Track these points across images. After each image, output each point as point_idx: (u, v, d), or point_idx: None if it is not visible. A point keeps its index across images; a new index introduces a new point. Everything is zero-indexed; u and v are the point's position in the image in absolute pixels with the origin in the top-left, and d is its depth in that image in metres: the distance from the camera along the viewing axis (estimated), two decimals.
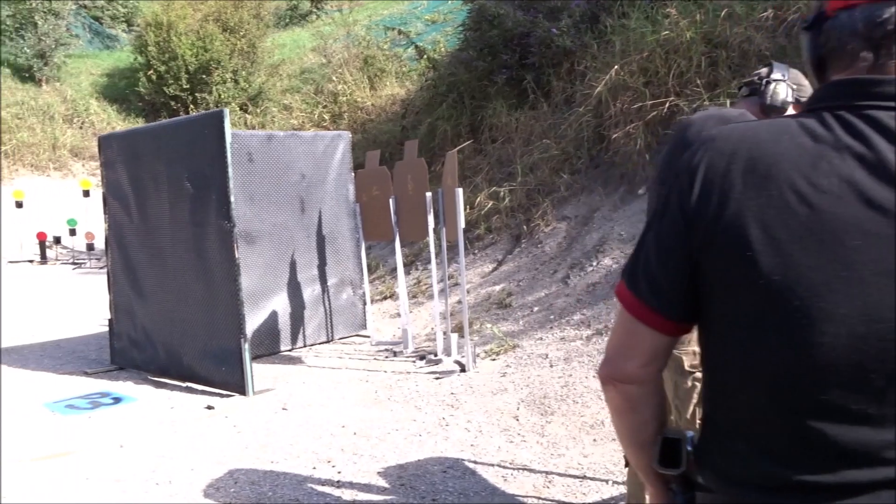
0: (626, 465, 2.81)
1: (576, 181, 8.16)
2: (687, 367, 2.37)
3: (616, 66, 7.81)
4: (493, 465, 3.99)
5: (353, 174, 7.23)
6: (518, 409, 4.77)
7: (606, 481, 3.68)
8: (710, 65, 7.24)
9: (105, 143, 6.60)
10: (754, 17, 7.06)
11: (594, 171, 8.16)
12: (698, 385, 2.36)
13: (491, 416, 4.69)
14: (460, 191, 5.47)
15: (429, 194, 5.96)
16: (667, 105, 7.15)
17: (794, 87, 2.55)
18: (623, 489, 3.58)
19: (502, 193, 8.46)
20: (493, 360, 5.82)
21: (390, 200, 6.32)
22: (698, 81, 7.05)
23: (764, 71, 2.58)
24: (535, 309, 6.59)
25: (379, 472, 4.00)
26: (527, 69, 9.91)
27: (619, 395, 1.18)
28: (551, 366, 5.38)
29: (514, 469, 3.91)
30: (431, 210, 6.00)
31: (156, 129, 6.22)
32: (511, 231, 8.33)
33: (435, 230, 6.10)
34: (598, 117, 8.34)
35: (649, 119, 7.38)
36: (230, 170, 5.33)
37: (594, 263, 6.71)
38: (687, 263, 1.06)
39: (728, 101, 6.57)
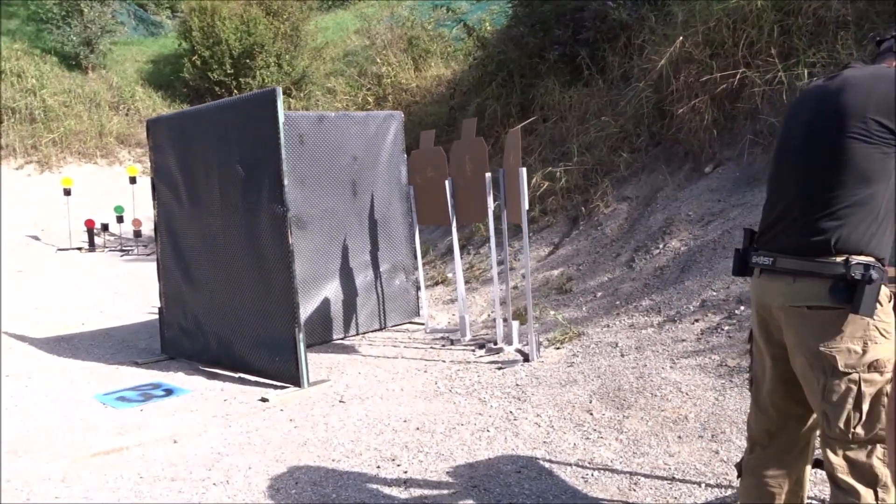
0: (739, 474, 2.51)
1: (636, 160, 7.78)
2: (841, 368, 2.04)
3: (681, 38, 7.37)
4: (570, 464, 3.71)
5: (405, 156, 6.96)
6: (591, 402, 4.47)
7: (699, 484, 3.37)
8: (783, 34, 6.79)
9: (153, 126, 6.42)
10: None
11: (655, 148, 7.77)
12: (854, 388, 2.04)
13: (562, 410, 4.40)
14: (524, 170, 5.16)
15: (488, 175, 5.66)
16: (737, 77, 6.72)
17: None
18: (719, 493, 3.27)
19: (558, 174, 8.12)
20: (558, 348, 5.52)
21: (446, 182, 6.04)
22: (772, 51, 6.60)
23: None
24: (599, 294, 6.26)
25: (448, 472, 3.74)
26: (580, 45, 9.51)
27: None
28: (622, 355, 5.06)
29: (594, 469, 3.62)
30: (491, 192, 5.70)
31: (205, 111, 6.01)
32: (568, 213, 7.99)
33: (494, 212, 5.80)
34: (659, 92, 7.93)
35: (717, 93, 6.95)
36: (283, 152, 5.10)
37: (661, 246, 6.35)
38: None
39: (806, 71, 6.14)
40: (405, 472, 3.78)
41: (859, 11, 6.25)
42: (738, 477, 2.52)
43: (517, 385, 4.93)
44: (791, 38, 6.66)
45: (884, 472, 2.05)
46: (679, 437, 3.86)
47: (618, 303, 5.95)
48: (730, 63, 7.01)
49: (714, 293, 5.34)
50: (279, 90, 5.09)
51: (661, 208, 6.85)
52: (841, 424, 2.05)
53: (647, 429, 4.00)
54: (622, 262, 6.54)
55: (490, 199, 5.70)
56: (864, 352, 2.04)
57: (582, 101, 9.11)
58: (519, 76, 10.49)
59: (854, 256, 2.03)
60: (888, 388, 2.05)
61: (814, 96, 2.24)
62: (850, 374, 2.03)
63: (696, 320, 5.16)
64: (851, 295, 2.01)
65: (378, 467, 3.87)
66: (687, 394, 4.31)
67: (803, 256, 2.09)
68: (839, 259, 2.04)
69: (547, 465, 3.73)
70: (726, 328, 4.90)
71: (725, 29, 7.22)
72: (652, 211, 6.92)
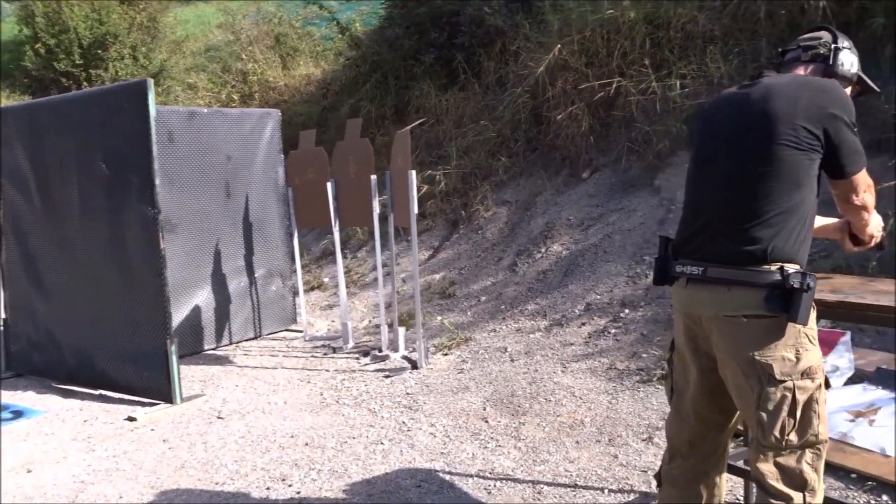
0: (659, 484, 2.48)
1: (514, 164, 7.84)
2: (777, 376, 2.02)
3: (558, 46, 7.49)
4: (471, 475, 3.60)
5: (283, 156, 6.65)
6: (485, 409, 4.39)
7: (601, 490, 3.35)
8: (654, 46, 7.04)
9: None
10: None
11: (533, 153, 7.85)
12: (788, 396, 2.03)
13: (457, 419, 4.29)
14: (413, 173, 5.02)
15: (374, 177, 5.49)
16: (613, 86, 6.90)
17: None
18: (621, 498, 3.27)
19: (437, 177, 8.04)
20: (446, 354, 5.42)
21: (328, 184, 5.80)
22: (645, 62, 6.82)
23: (826, 36, 2.28)
24: (483, 299, 6.23)
25: (344, 490, 3.54)
26: (456, 48, 9.51)
27: None
28: (512, 360, 5.03)
29: (495, 479, 3.53)
30: (377, 194, 5.52)
31: (61, 103, 5.44)
32: (447, 217, 7.93)
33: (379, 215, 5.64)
34: (535, 98, 8.04)
35: (593, 101, 7.11)
36: (154, 149, 4.69)
37: (543, 250, 6.40)
38: None
39: (678, 82, 6.38)
40: (298, 493, 3.54)
41: (724, 27, 6.57)
42: (658, 487, 2.49)
43: (408, 394, 4.78)
44: (662, 50, 6.91)
45: (812, 476, 2.07)
46: (577, 442, 3.84)
47: (503, 307, 5.93)
48: (605, 72, 7.19)
49: (598, 297, 5.42)
50: (150, 82, 4.69)
51: (541, 213, 6.92)
52: (776, 432, 2.04)
53: (545, 435, 3.96)
54: (505, 266, 6.54)
55: (376, 202, 5.53)
56: (798, 359, 2.04)
57: (458, 105, 9.09)
58: (394, 78, 10.36)
59: (787, 265, 2.03)
60: (817, 394, 2.06)
61: (733, 104, 2.22)
62: (785, 381, 2.02)
63: (583, 324, 5.21)
64: (787, 303, 2.00)
65: (268, 489, 3.60)
66: (580, 398, 4.32)
67: (737, 265, 2.06)
68: (774, 268, 2.03)
69: (447, 477, 3.61)
70: (613, 331, 4.98)
71: (600, 38, 7.41)
72: (532, 215, 6.98)
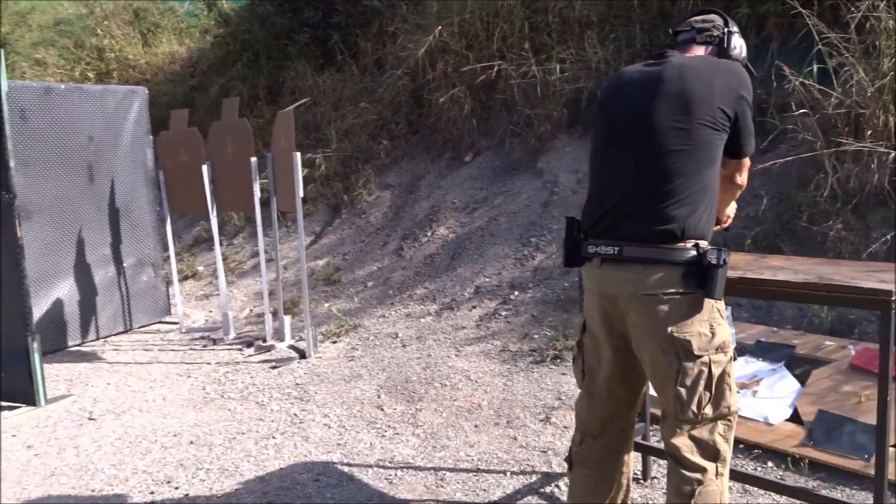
0: (570, 467, 2.47)
1: (396, 147, 7.74)
2: (695, 351, 2.04)
3: (439, 28, 7.43)
4: (370, 466, 3.50)
5: (151, 137, 6.23)
6: (380, 396, 4.29)
7: (504, 472, 3.34)
8: (533, 30, 7.11)
9: None
10: None
11: (414, 136, 7.78)
12: (705, 370, 2.06)
13: (351, 408, 4.17)
14: (297, 154, 4.81)
15: (254, 159, 5.23)
16: (494, 69, 6.92)
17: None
18: (524, 480, 3.26)
19: (317, 160, 7.81)
20: (335, 342, 5.27)
21: (204, 167, 5.48)
22: (525, 46, 6.88)
23: (718, 20, 2.31)
24: (370, 284, 6.11)
25: (236, 489, 3.35)
26: (332, 28, 9.27)
27: None
28: (404, 346, 4.95)
29: (396, 468, 3.45)
30: (257, 177, 5.27)
31: None
32: (328, 201, 7.73)
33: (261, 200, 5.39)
34: (415, 81, 7.96)
35: (475, 84, 7.11)
36: (7, 127, 4.25)
37: (429, 234, 6.34)
38: None
39: (557, 66, 6.47)
40: (186, 495, 3.31)
41: (601, 13, 6.72)
42: (569, 470, 2.47)
43: (297, 384, 4.60)
44: (541, 34, 6.99)
45: (724, 446, 2.12)
46: (476, 426, 3.82)
47: (391, 292, 5.84)
48: (485, 55, 7.20)
49: (487, 279, 5.43)
50: (2, 53, 4.23)
51: (425, 196, 6.86)
52: (694, 406, 2.07)
53: (443, 420, 3.91)
54: (391, 251, 6.44)
55: (256, 186, 5.28)
56: (713, 334, 2.07)
57: (336, 87, 8.87)
58: (266, 57, 9.98)
59: (700, 242, 2.06)
60: (729, 367, 2.11)
61: (644, 82, 2.18)
62: (702, 356, 2.05)
63: (474, 307, 5.20)
64: (703, 280, 2.02)
65: (152, 493, 3.35)
66: (476, 381, 4.30)
67: (654, 244, 2.06)
68: (689, 245, 2.05)
69: (346, 468, 3.49)
70: (504, 313, 5.00)
71: (479, 22, 7.41)
72: (416, 199, 6.91)
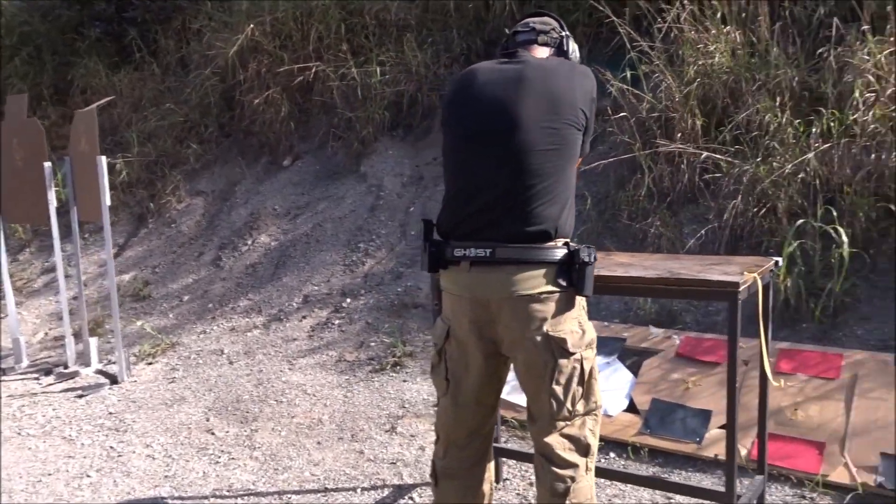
0: (436, 482, 2.37)
1: (207, 151, 7.29)
2: (570, 349, 2.02)
3: (251, 27, 7.08)
4: (206, 497, 3.20)
5: None
6: (209, 420, 3.96)
7: (354, 489, 3.18)
8: (349, 31, 6.98)
9: None
10: None
11: (227, 140, 7.37)
12: (578, 367, 2.05)
13: (176, 435, 3.81)
14: (103, 159, 4.34)
15: (48, 164, 4.66)
16: (312, 71, 6.70)
17: None
18: (375, 495, 3.13)
19: (117, 166, 7.17)
20: (150, 363, 4.82)
21: None
22: (343, 47, 6.73)
23: (553, 23, 2.33)
24: (186, 298, 5.67)
25: None
26: (128, 23, 8.59)
27: None
28: (231, 363, 4.62)
29: (235, 497, 3.18)
30: (52, 184, 4.70)
31: None
32: (132, 210, 7.12)
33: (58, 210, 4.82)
34: (226, 82, 7.55)
35: (292, 85, 6.85)
36: None
37: (249, 242, 6.01)
38: None
39: (378, 69, 6.39)
40: None
41: (418, 17, 6.73)
42: (435, 485, 2.37)
43: (111, 413, 4.14)
44: (359, 36, 6.88)
45: (593, 441, 2.13)
46: (318, 442, 3.62)
47: (211, 306, 5.45)
48: (300, 56, 6.96)
49: (316, 288, 5.22)
50: None
51: (242, 202, 6.51)
52: (568, 404, 2.05)
53: (282, 440, 3.67)
54: (207, 262, 6.03)
55: (52, 194, 4.71)
56: (584, 331, 2.08)
57: (135, 86, 8.23)
58: (50, 53, 9.06)
59: (569, 241, 2.05)
60: (595, 363, 2.12)
61: (505, 81, 2.12)
62: (575, 353, 2.04)
63: (304, 317, 4.97)
64: (574, 277, 2.01)
65: None
66: (314, 395, 4.10)
67: (527, 244, 2.02)
68: (560, 244, 2.03)
69: (178, 502, 3.16)
70: (336, 322, 4.82)
71: (293, 21, 7.16)
72: (232, 205, 6.53)
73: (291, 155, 6.81)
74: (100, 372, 4.77)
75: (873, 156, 3.73)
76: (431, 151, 6.02)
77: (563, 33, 2.32)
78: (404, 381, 4.10)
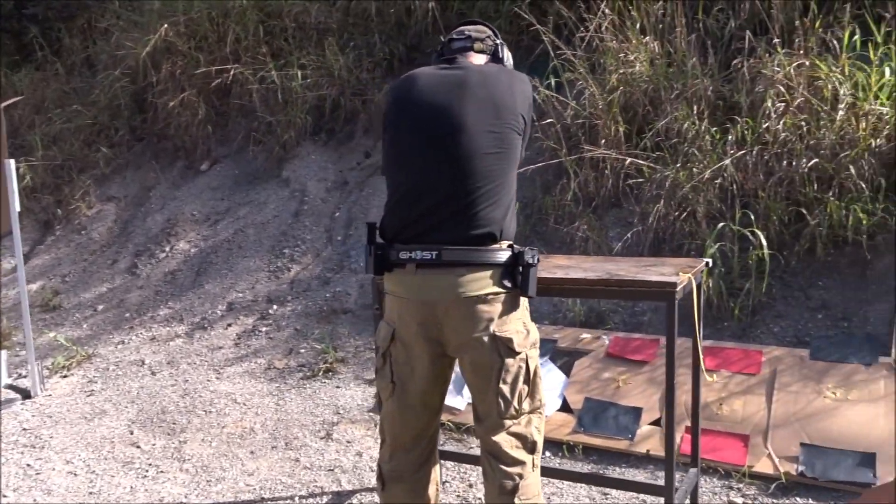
0: (383, 486, 2.36)
1: (118, 155, 7.03)
2: (516, 349, 2.06)
3: (165, 27, 6.87)
4: None
5: None
6: (133, 433, 3.81)
7: (291, 498, 3.13)
8: (268, 34, 6.87)
9: None
10: None
11: (139, 143, 7.13)
12: (523, 366, 2.09)
13: (99, 450, 3.65)
14: (12, 162, 4.12)
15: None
16: (230, 73, 6.56)
17: None
18: (315, 502, 3.09)
19: (20, 170, 6.80)
20: (66, 376, 4.59)
21: None
22: (262, 50, 6.61)
23: (488, 31, 2.38)
24: (101, 308, 5.44)
25: None
26: (29, 21, 8.20)
27: None
28: (154, 373, 4.46)
29: None
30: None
31: None
32: (37, 216, 6.79)
33: None
34: (137, 83, 7.30)
35: (209, 88, 6.68)
36: None
37: (167, 249, 5.82)
38: None
39: (299, 73, 6.31)
40: None
41: (339, 21, 6.68)
42: (382, 489, 2.36)
43: (25, 430, 3.93)
44: (278, 38, 6.77)
45: (538, 437, 2.18)
46: (251, 452, 3.54)
47: (128, 315, 5.25)
48: (217, 58, 6.80)
49: (240, 294, 5.11)
50: None
51: (158, 208, 6.29)
52: (515, 402, 2.09)
53: (213, 450, 3.57)
54: (122, 270, 5.81)
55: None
56: (528, 331, 2.12)
57: (37, 87, 7.85)
58: None
59: (513, 243, 2.10)
60: (538, 361, 2.17)
61: (446, 86, 2.15)
62: (521, 353, 2.09)
63: (229, 325, 4.85)
64: (518, 279, 2.05)
65: None
66: (244, 404, 4.00)
67: (473, 247, 2.05)
68: (505, 246, 2.07)
69: None
70: (264, 329, 4.73)
71: (209, 22, 7.00)
72: (147, 211, 6.31)
73: (209, 159, 6.64)
74: (10, 387, 4.51)
75: (785, 162, 3.94)
76: (355, 156, 5.99)
77: (498, 41, 2.37)
78: (337, 387, 4.06)
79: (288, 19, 6.82)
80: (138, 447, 3.66)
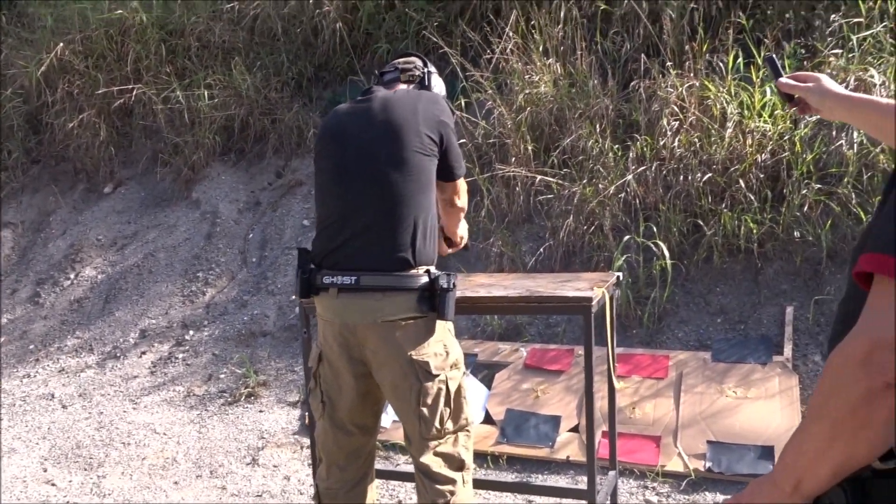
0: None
1: (12, 179, 6.73)
2: (433, 371, 2.15)
3: (61, 45, 6.64)
4: None
5: None
6: (46, 470, 3.69)
7: None
8: (172, 53, 6.75)
9: None
10: (216, 8, 6.81)
11: (35, 166, 6.85)
12: (443, 388, 2.17)
13: (10, 490, 3.52)
14: None
15: None
16: (133, 93, 6.40)
17: None
18: None
19: None
20: None
21: None
22: (166, 69, 6.49)
23: (419, 62, 2.50)
24: (2, 340, 5.21)
25: None
26: None
27: None
28: (65, 407, 4.32)
29: None
30: None
31: None
32: None
33: None
34: (30, 103, 7.02)
35: (110, 108, 6.50)
36: None
37: (72, 276, 5.63)
38: None
39: (206, 93, 6.23)
40: None
41: (245, 40, 6.63)
42: None
43: None
44: (181, 57, 6.66)
45: (466, 455, 2.28)
46: (175, 482, 3.50)
47: (33, 347, 5.05)
48: (117, 77, 6.63)
49: (153, 321, 5.00)
50: None
51: (59, 234, 6.08)
52: (437, 424, 2.18)
53: (134, 483, 3.51)
54: (24, 299, 5.57)
55: None
56: (448, 353, 2.21)
57: None
58: None
59: (430, 268, 2.18)
60: (462, 381, 2.27)
61: (358, 117, 2.29)
62: (439, 375, 2.18)
63: (143, 353, 4.75)
64: (435, 303, 2.15)
65: None
66: (165, 434, 3.94)
67: (389, 272, 2.15)
68: (422, 271, 2.16)
69: None
70: (181, 356, 4.65)
71: (107, 40, 6.81)
72: (49, 237, 6.08)
73: (113, 181, 6.46)
74: None
75: (681, 177, 4.21)
76: (266, 176, 5.97)
77: (426, 69, 2.49)
78: (261, 411, 4.05)
79: (191, 38, 6.72)
80: (53, 485, 3.55)
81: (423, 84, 2.46)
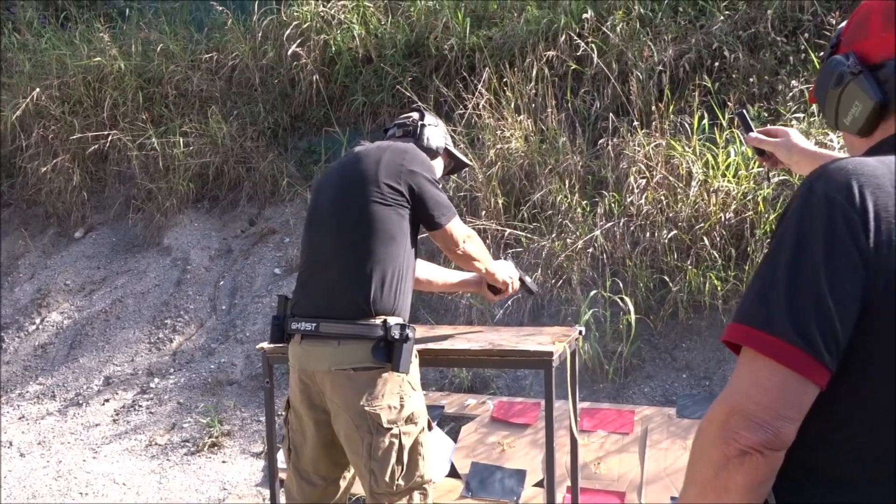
0: None
1: None
2: (385, 424, 2.15)
3: (38, 90, 6.67)
4: None
5: None
6: None
7: None
8: (149, 100, 6.80)
9: None
10: (194, 58, 6.89)
11: (6, 210, 6.81)
12: (396, 442, 2.16)
13: None
14: None
15: None
16: (108, 139, 6.42)
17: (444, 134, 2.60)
18: None
19: None
20: None
21: None
22: (143, 116, 6.53)
23: (416, 115, 2.57)
24: None
25: None
26: None
27: (768, 466, 0.95)
28: (23, 455, 4.23)
29: None
30: None
31: None
32: None
33: None
34: (1, 147, 7.01)
35: (84, 153, 6.51)
36: None
37: (37, 321, 5.55)
38: (858, 309, 0.94)
39: (181, 140, 6.27)
40: None
41: (222, 90, 6.71)
42: None
43: None
44: (158, 105, 6.71)
45: None
46: None
47: None
48: (94, 123, 6.66)
49: (118, 368, 4.94)
50: None
51: (27, 278, 6.01)
52: (387, 478, 2.16)
53: None
54: None
55: None
56: (402, 406, 2.20)
57: None
58: None
59: (389, 318, 2.19)
60: (421, 437, 2.25)
61: (335, 171, 2.43)
62: (391, 429, 2.16)
63: (106, 400, 4.68)
64: (390, 354, 2.15)
65: None
66: (124, 484, 3.86)
67: (346, 320, 2.17)
68: (378, 321, 2.17)
69: None
70: (144, 404, 4.59)
71: (84, 87, 6.85)
72: (16, 281, 6.02)
73: (84, 226, 6.43)
74: None
75: (648, 233, 4.29)
76: (239, 224, 5.98)
77: (421, 122, 2.54)
78: (224, 461, 3.99)
79: (169, 86, 6.78)
80: None
81: (413, 135, 2.51)
